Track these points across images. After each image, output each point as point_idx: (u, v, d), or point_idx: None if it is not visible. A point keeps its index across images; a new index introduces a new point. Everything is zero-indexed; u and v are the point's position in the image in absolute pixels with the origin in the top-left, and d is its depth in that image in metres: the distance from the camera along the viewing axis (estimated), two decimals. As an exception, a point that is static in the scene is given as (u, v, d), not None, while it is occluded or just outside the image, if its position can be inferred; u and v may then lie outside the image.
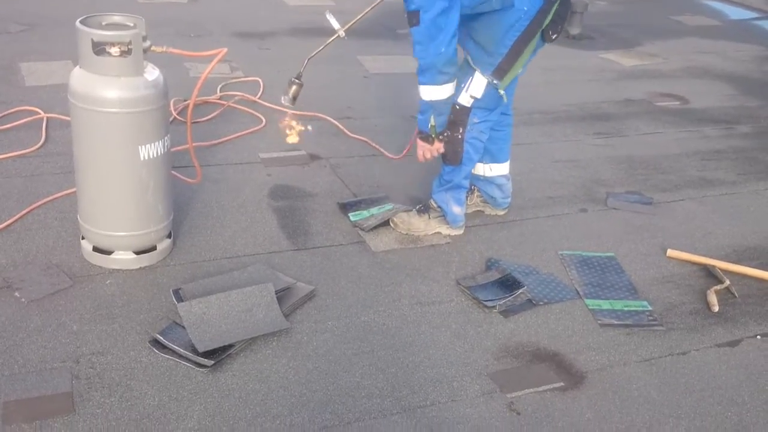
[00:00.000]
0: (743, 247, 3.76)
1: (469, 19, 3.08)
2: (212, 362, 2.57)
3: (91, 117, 2.79)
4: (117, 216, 2.97)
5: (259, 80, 5.17)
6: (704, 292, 3.31)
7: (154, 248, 3.09)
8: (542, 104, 5.47)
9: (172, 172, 3.20)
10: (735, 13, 9.50)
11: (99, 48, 2.71)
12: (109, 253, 3.03)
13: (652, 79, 6.43)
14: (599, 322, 3.05)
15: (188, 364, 2.57)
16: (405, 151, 4.15)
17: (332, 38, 3.24)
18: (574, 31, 7.40)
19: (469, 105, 3.26)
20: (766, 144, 5.19)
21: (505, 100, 3.30)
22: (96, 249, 3.04)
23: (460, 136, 3.31)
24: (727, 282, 3.36)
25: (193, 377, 2.53)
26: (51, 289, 2.88)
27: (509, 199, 3.78)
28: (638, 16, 8.80)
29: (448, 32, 2.92)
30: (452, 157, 3.39)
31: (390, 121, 4.85)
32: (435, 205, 3.53)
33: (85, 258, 3.08)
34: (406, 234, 3.52)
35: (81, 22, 2.76)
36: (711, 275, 3.46)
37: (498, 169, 3.65)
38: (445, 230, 3.55)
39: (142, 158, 2.86)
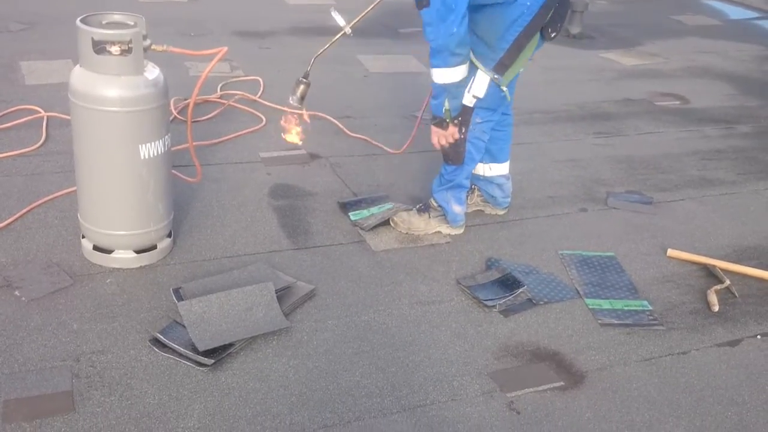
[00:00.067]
0: (743, 247, 3.76)
1: (472, 12, 3.06)
2: (212, 361, 2.57)
3: (91, 116, 2.79)
4: (117, 215, 2.97)
5: (260, 79, 5.17)
6: (704, 291, 3.32)
7: (154, 247, 3.10)
8: (542, 104, 5.47)
9: (173, 171, 3.20)
10: (735, 12, 9.51)
11: (99, 47, 2.71)
12: (109, 251, 3.03)
13: (652, 78, 6.43)
14: (599, 321, 3.05)
15: (188, 363, 2.57)
16: (405, 146, 4.15)
17: (338, 35, 3.21)
18: (575, 30, 7.41)
19: (471, 105, 3.26)
20: (766, 144, 5.19)
21: (508, 99, 3.30)
22: (96, 248, 3.04)
23: (462, 136, 3.31)
24: (728, 282, 3.36)
25: (194, 376, 2.53)
26: (51, 287, 2.88)
27: (509, 199, 3.78)
28: (638, 15, 8.80)
29: (459, 11, 2.88)
30: (454, 157, 3.38)
31: (390, 120, 4.85)
32: (435, 205, 3.53)
33: (86, 257, 3.08)
34: (406, 233, 3.52)
35: (81, 20, 2.76)
36: (711, 275, 3.46)
37: (498, 169, 3.65)
38: (445, 229, 3.55)
39: (142, 157, 2.86)
